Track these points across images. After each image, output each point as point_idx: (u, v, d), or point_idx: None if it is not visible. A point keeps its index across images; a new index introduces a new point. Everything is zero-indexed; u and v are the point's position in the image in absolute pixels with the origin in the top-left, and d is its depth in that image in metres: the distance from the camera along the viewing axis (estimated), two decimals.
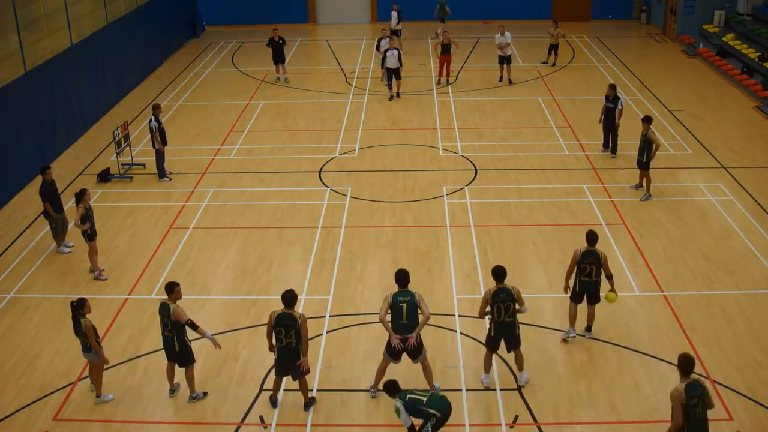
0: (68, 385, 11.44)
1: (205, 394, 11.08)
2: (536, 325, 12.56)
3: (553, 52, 27.67)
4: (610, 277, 11.64)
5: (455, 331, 12.46)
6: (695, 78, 26.16)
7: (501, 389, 11.12)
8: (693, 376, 8.91)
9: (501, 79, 25.72)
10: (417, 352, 10.65)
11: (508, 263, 13.91)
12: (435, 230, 15.75)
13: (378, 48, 24.96)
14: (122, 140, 18.73)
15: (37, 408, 10.96)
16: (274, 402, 10.88)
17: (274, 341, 10.43)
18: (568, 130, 21.12)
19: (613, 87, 19.09)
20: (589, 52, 29.68)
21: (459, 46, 25.51)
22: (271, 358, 10.96)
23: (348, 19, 32.69)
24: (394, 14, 29.47)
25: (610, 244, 15.02)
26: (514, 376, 11.36)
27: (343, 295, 13.61)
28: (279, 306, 10.43)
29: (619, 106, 18.87)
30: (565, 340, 12.13)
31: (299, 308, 12.66)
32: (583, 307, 12.14)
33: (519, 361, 11.15)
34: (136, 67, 26.65)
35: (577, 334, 12.19)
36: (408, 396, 9.62)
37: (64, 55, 20.96)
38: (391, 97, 24.15)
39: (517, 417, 10.59)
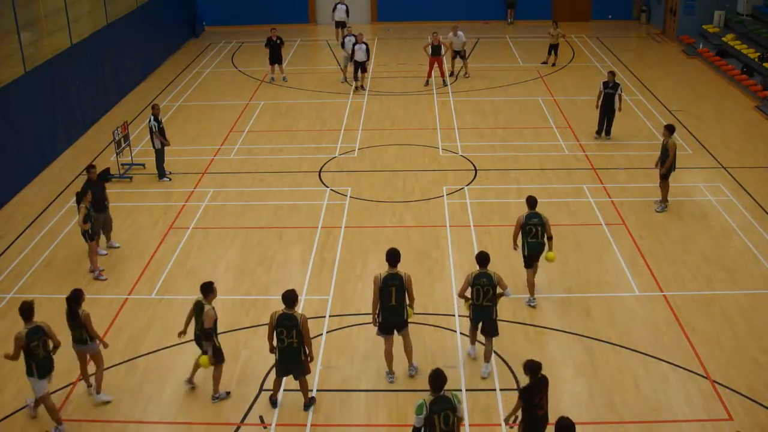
0: (68, 385, 11.45)
1: (228, 393, 11.08)
2: (536, 325, 12.57)
3: (553, 53, 27.67)
4: (550, 238, 12.68)
5: (455, 331, 12.46)
6: (695, 78, 26.17)
7: (501, 389, 11.13)
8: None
9: (453, 74, 26.39)
10: (404, 325, 11.11)
11: (507, 263, 14.01)
12: (435, 230, 15.75)
13: (343, 46, 25.50)
14: (122, 140, 18.73)
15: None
16: (274, 402, 10.88)
17: (275, 342, 10.44)
18: (568, 130, 21.12)
19: (612, 73, 19.89)
20: (589, 52, 29.68)
21: (449, 47, 25.55)
22: (271, 358, 10.96)
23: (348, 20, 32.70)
24: (342, 7, 30.51)
25: (610, 244, 15.03)
26: (514, 375, 11.37)
27: (343, 295, 13.61)
28: (279, 306, 10.44)
29: (619, 92, 19.65)
30: (533, 307, 12.96)
31: (299, 308, 12.65)
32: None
33: (487, 352, 11.36)
34: (136, 67, 26.65)
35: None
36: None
37: (64, 55, 20.96)
38: (356, 88, 24.91)
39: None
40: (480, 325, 11.34)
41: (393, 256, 11.00)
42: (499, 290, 11.15)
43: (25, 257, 15.14)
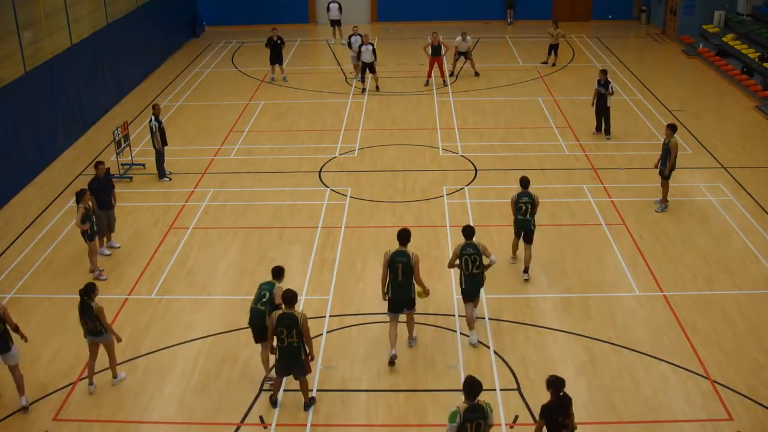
0: (68, 385, 11.45)
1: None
2: (536, 325, 12.57)
3: (553, 53, 27.67)
4: (534, 214, 13.72)
5: (455, 331, 12.46)
6: (695, 78, 26.17)
7: (501, 389, 11.13)
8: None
9: (453, 74, 26.47)
10: (412, 304, 11.65)
11: (507, 263, 14.03)
12: (435, 230, 15.76)
13: (350, 45, 25.81)
14: (122, 140, 18.72)
15: (37, 408, 10.96)
16: (274, 402, 10.88)
17: (275, 342, 10.44)
18: (568, 130, 21.13)
19: (604, 72, 20.23)
20: (589, 52, 29.68)
21: (449, 47, 25.55)
22: (271, 358, 10.97)
23: (348, 19, 32.69)
24: (335, 5, 31.26)
25: (610, 244, 15.03)
26: (514, 375, 11.38)
27: (343, 295, 13.61)
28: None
29: (610, 90, 20.00)
30: (513, 262, 14.26)
31: (299, 308, 12.65)
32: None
33: (476, 303, 12.30)
34: (136, 67, 26.66)
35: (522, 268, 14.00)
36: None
37: (64, 55, 20.96)
38: (363, 90, 24.96)
39: (517, 417, 10.60)
40: (473, 295, 12.06)
41: (403, 235, 11.49)
42: (486, 260, 11.90)
43: (25, 257, 15.14)
